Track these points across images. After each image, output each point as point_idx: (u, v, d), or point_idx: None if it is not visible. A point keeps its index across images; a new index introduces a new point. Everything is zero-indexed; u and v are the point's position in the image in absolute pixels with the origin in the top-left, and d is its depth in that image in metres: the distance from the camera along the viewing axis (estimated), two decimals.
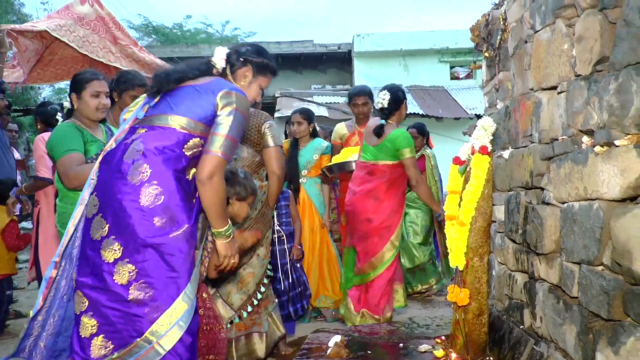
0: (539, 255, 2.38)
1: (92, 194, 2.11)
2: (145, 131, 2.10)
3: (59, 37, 4.36)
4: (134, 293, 1.97)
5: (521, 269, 2.64)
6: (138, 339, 1.96)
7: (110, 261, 1.98)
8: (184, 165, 2.07)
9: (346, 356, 2.80)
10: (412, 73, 13.16)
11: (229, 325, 3.09)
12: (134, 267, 1.97)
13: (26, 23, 4.79)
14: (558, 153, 2.17)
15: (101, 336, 1.99)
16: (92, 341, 1.99)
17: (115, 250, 1.98)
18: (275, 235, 3.60)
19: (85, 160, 2.75)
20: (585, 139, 1.95)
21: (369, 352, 2.92)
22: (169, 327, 1.97)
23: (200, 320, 2.24)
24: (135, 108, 2.25)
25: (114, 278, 1.97)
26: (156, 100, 2.18)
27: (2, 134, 4.61)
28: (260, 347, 3.12)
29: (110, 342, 1.99)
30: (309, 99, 12.07)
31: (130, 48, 4.82)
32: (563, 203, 2.13)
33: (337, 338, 2.89)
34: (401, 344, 3.03)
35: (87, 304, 2.01)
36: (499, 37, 3.06)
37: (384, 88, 3.88)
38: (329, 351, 2.79)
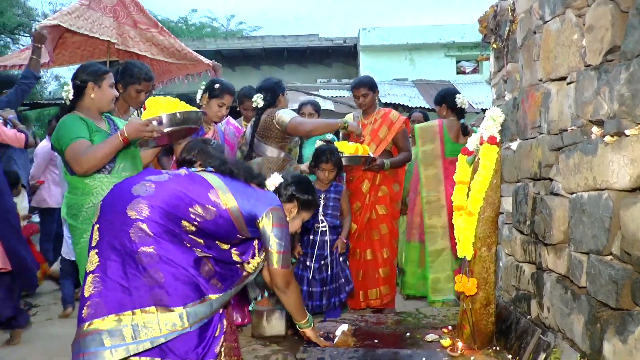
0: (547, 245, 2.38)
1: None
2: None
3: (67, 26, 4.34)
4: None
5: (529, 260, 2.65)
6: None
7: None
8: None
9: (353, 345, 2.82)
10: (418, 67, 13.11)
11: (254, 302, 3.51)
12: None
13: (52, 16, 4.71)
14: (567, 144, 2.17)
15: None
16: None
17: None
18: (319, 225, 3.61)
19: None
20: (595, 129, 1.95)
21: (376, 341, 2.94)
22: None
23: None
24: None
25: None
26: None
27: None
28: (280, 324, 3.47)
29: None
30: (315, 92, 12.04)
31: (149, 32, 4.75)
32: (572, 193, 2.14)
33: (344, 327, 2.90)
34: (408, 334, 3.05)
35: None
36: (507, 29, 3.06)
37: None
38: (336, 340, 2.81)
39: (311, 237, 3.62)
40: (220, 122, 3.74)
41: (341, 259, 3.72)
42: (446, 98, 4.50)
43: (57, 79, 18.63)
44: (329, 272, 3.64)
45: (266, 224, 2.21)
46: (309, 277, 3.60)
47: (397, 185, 4.27)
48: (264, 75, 13.23)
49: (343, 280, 3.69)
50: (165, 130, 2.62)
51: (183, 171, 2.29)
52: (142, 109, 3.48)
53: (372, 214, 4.09)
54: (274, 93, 3.81)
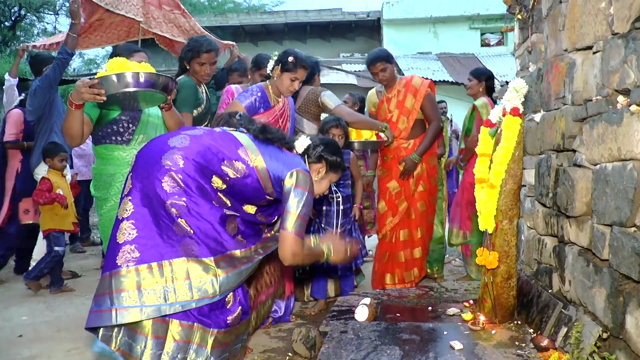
0: (569, 218, 2.36)
1: None
2: None
3: (96, 1, 4.37)
4: None
5: (551, 232, 2.63)
6: None
7: None
8: None
9: (373, 319, 2.84)
10: (442, 40, 12.92)
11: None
12: None
13: None
14: (591, 114, 2.13)
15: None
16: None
17: None
18: (334, 196, 3.63)
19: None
20: (621, 98, 1.91)
21: (398, 314, 2.96)
22: None
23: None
24: None
25: None
26: None
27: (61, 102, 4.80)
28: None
29: None
30: (338, 67, 11.97)
31: (173, 13, 4.78)
32: (595, 165, 2.10)
33: (366, 301, 2.92)
34: (430, 308, 3.06)
35: None
36: None
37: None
38: (360, 313, 2.83)
39: (325, 207, 3.64)
40: (290, 95, 3.58)
41: (356, 224, 3.76)
42: (486, 79, 4.34)
43: (82, 56, 18.84)
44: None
45: (289, 183, 2.18)
46: None
47: (434, 159, 4.10)
48: None
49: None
50: (116, 92, 2.42)
51: (217, 129, 2.31)
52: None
53: (410, 192, 3.96)
54: (311, 71, 3.85)
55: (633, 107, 1.79)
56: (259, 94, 3.28)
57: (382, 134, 3.78)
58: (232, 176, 2.11)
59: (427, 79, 4.14)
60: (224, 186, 2.11)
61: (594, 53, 2.15)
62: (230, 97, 3.67)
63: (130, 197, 2.05)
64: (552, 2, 2.67)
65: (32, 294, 4.31)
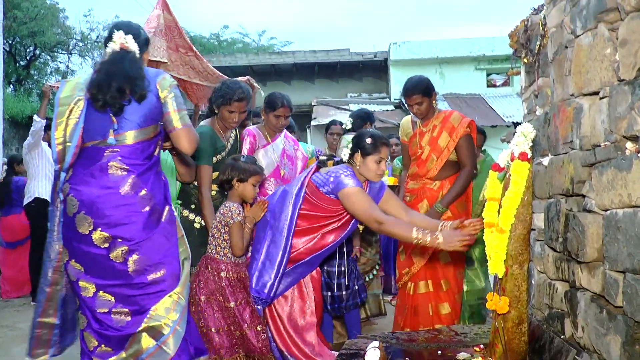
0: (580, 263, 2.33)
1: None
2: None
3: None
4: None
5: (561, 277, 2.60)
6: None
7: None
8: None
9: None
10: (448, 80, 13.10)
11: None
12: None
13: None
14: (600, 159, 2.13)
15: None
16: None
17: None
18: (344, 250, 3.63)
19: None
20: (629, 144, 1.91)
21: (407, 359, 2.91)
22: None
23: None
24: None
25: None
26: None
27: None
28: (374, 306, 4.53)
29: None
30: (345, 107, 12.11)
31: (187, 55, 4.86)
32: (606, 210, 2.09)
33: (375, 344, 2.88)
34: (439, 352, 3.00)
35: None
36: (538, 43, 3.03)
37: None
38: (371, 356, 2.78)
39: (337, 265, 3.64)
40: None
41: (353, 266, 3.74)
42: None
43: None
44: (346, 278, 3.64)
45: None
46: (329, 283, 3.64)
47: (463, 204, 3.69)
48: (295, 90, 13.48)
49: (357, 287, 3.73)
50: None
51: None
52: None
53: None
54: (362, 120, 4.42)
55: None
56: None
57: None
58: None
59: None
60: None
61: (601, 99, 2.16)
62: (253, 138, 3.75)
63: None
64: (557, 47, 2.71)
65: None
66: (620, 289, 1.97)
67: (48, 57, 18.21)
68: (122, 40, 2.63)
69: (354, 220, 3.17)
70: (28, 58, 17.48)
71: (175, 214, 3.29)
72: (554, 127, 2.69)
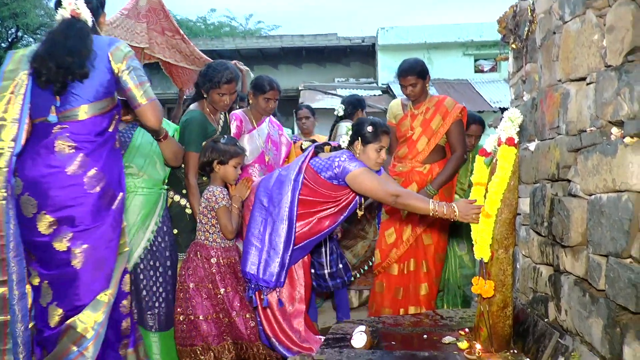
0: (564, 247, 2.36)
1: None
2: None
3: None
4: None
5: (546, 261, 2.63)
6: None
7: None
8: None
9: (370, 347, 2.82)
10: (436, 66, 13.06)
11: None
12: None
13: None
14: (586, 145, 2.15)
15: None
16: None
17: None
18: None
19: None
20: (615, 130, 1.93)
21: (393, 343, 2.94)
22: None
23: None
24: None
25: None
26: None
27: None
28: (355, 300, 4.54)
29: None
30: (333, 91, 12.07)
31: (174, 39, 4.79)
32: (590, 195, 2.12)
33: (361, 328, 2.90)
34: (425, 336, 3.04)
35: None
36: (526, 29, 3.03)
37: None
38: (358, 340, 2.81)
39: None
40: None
41: (337, 250, 3.74)
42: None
43: None
44: (328, 258, 3.62)
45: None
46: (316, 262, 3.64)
47: (448, 189, 3.75)
48: (282, 75, 13.40)
49: (342, 265, 3.71)
50: None
51: None
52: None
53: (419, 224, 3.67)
54: (353, 107, 4.42)
55: (627, 139, 1.81)
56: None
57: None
58: None
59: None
60: None
61: (588, 84, 2.18)
62: (239, 122, 3.72)
63: None
64: (545, 33, 2.71)
65: None
66: (603, 272, 2.00)
67: (31, 39, 17.88)
68: (73, 7, 2.45)
69: (351, 205, 3.16)
70: (10, 40, 17.16)
71: (161, 199, 3.26)
72: (541, 113, 2.70)
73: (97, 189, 2.43)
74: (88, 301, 2.41)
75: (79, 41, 2.39)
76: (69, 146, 2.40)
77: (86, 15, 2.47)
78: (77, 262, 2.40)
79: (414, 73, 3.69)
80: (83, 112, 2.41)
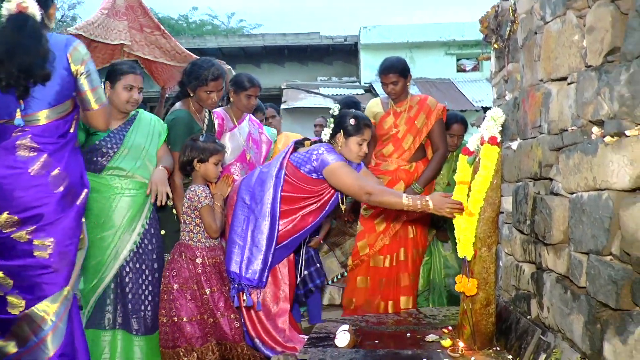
0: (546, 245, 2.39)
1: None
2: None
3: (87, 35, 4.31)
4: None
5: (528, 259, 2.66)
6: None
7: None
8: None
9: (353, 345, 2.82)
10: (419, 65, 13.09)
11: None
12: None
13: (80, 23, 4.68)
14: (567, 144, 2.18)
15: None
16: None
17: None
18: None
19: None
20: (595, 129, 1.96)
21: (377, 341, 2.94)
22: None
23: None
24: None
25: None
26: None
27: None
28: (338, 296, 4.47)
29: None
30: (315, 90, 12.05)
31: (153, 35, 4.73)
32: (572, 193, 2.14)
33: (345, 327, 2.90)
34: (408, 334, 3.05)
35: None
36: (508, 29, 3.06)
37: None
38: (341, 339, 2.81)
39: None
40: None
41: (312, 252, 3.74)
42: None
43: None
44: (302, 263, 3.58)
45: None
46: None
47: (429, 187, 3.81)
48: (265, 74, 13.35)
49: (313, 269, 3.72)
50: None
51: None
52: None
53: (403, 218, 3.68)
54: (348, 107, 4.19)
55: (607, 139, 1.83)
56: None
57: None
58: None
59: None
60: None
61: (569, 84, 2.20)
62: (221, 121, 3.69)
63: None
64: (527, 33, 2.74)
65: None
66: (584, 269, 2.03)
67: None
68: (19, 0, 2.28)
69: (332, 199, 3.15)
70: None
71: (149, 201, 3.21)
72: (523, 112, 2.73)
73: (61, 188, 2.40)
74: (51, 293, 2.38)
75: (34, 41, 2.27)
76: (31, 148, 2.35)
77: (34, 9, 2.31)
78: (42, 253, 2.36)
79: (395, 71, 3.72)
80: (44, 116, 2.36)
